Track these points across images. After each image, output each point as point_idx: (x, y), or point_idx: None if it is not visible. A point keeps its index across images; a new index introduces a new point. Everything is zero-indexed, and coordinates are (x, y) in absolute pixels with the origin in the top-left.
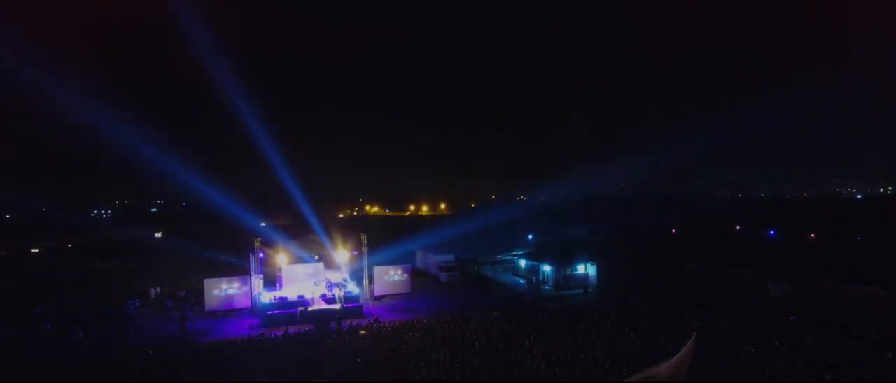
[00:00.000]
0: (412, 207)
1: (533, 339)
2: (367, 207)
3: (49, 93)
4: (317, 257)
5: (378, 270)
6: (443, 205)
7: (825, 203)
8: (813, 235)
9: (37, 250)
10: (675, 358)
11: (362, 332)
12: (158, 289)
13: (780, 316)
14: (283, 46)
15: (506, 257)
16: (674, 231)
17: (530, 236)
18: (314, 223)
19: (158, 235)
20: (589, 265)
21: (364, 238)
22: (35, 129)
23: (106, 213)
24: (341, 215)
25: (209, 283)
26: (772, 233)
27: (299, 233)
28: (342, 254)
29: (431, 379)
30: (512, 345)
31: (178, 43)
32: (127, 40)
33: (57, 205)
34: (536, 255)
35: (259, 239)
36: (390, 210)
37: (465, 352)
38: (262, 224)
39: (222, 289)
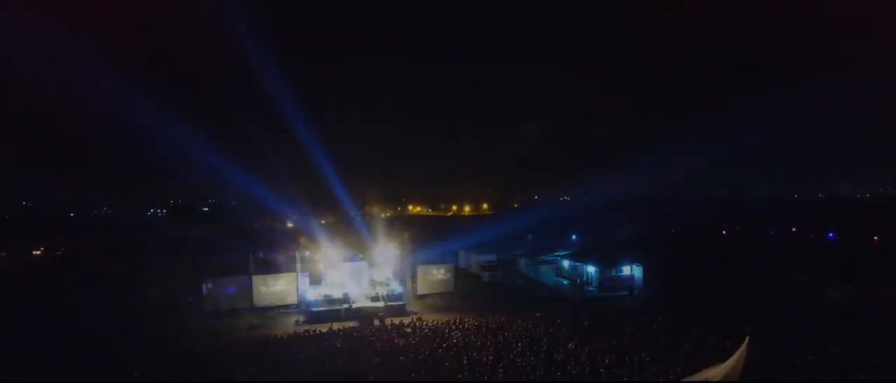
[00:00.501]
0: (455, 207)
1: (577, 341)
2: (410, 207)
3: (108, 94)
4: (361, 256)
5: (421, 269)
6: (485, 206)
7: (887, 204)
8: (876, 238)
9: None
10: (726, 362)
11: (408, 330)
12: (209, 285)
13: (837, 322)
14: (329, 44)
15: (549, 257)
16: (723, 232)
17: (574, 236)
18: (359, 222)
19: (210, 232)
20: (634, 266)
21: (408, 236)
22: (96, 130)
23: (161, 212)
24: (384, 215)
25: (257, 280)
26: (830, 235)
27: (344, 231)
28: (386, 252)
29: (473, 379)
30: (555, 347)
31: (224, 41)
32: (180, 43)
33: (116, 205)
34: (580, 256)
35: (305, 237)
36: (432, 210)
37: (508, 353)
38: (309, 222)
39: (269, 286)
